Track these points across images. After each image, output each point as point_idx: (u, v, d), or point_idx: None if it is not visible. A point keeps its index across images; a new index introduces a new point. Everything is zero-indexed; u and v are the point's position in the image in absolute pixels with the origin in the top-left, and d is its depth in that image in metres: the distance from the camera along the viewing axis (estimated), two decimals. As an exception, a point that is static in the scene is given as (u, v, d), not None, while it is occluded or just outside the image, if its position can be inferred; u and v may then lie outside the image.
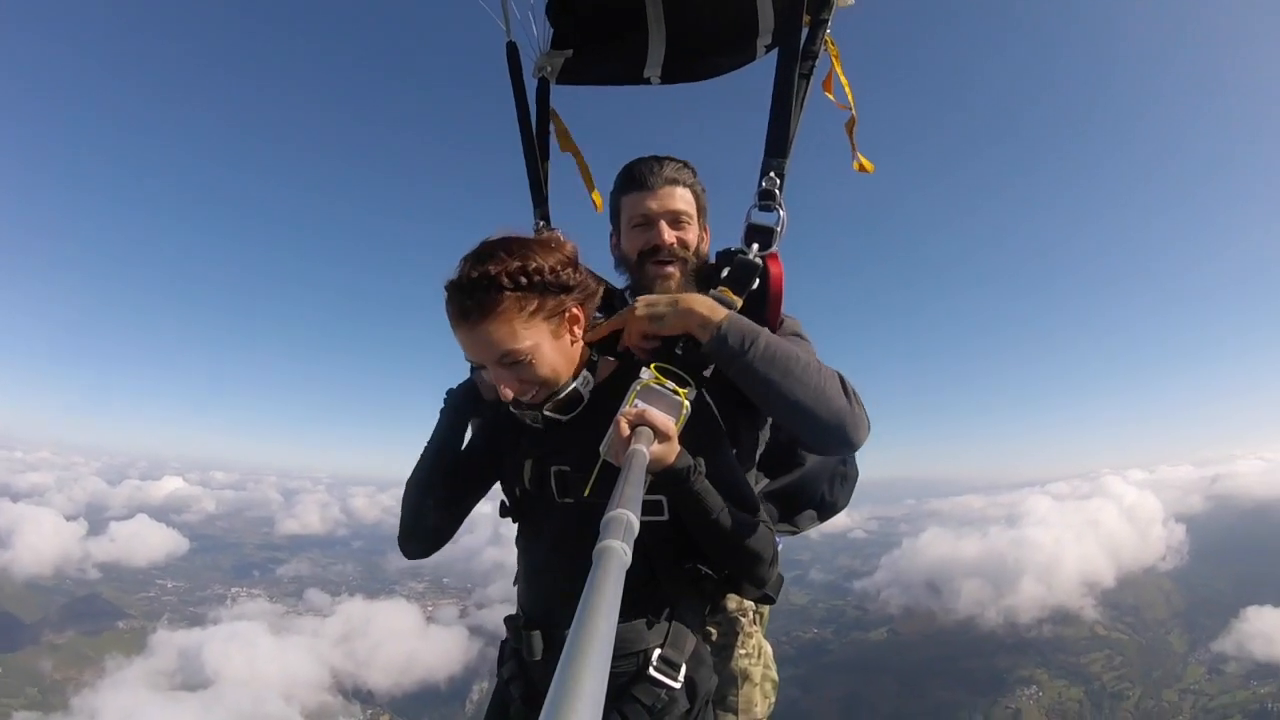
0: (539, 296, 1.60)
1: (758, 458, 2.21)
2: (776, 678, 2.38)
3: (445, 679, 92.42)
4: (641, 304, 1.81)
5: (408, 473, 1.94)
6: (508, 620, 1.91)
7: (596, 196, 2.68)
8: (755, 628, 2.33)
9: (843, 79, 2.33)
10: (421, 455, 1.91)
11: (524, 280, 1.57)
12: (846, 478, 2.37)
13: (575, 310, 1.71)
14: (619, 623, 0.64)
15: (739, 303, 1.89)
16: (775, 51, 2.18)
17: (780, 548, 2.21)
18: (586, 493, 1.61)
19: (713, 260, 2.22)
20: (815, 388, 1.73)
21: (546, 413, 1.71)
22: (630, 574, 0.77)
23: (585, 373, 1.74)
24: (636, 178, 2.18)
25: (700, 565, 1.77)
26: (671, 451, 1.51)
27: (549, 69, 2.69)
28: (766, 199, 1.98)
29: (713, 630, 2.22)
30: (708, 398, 1.80)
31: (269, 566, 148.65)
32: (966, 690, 77.65)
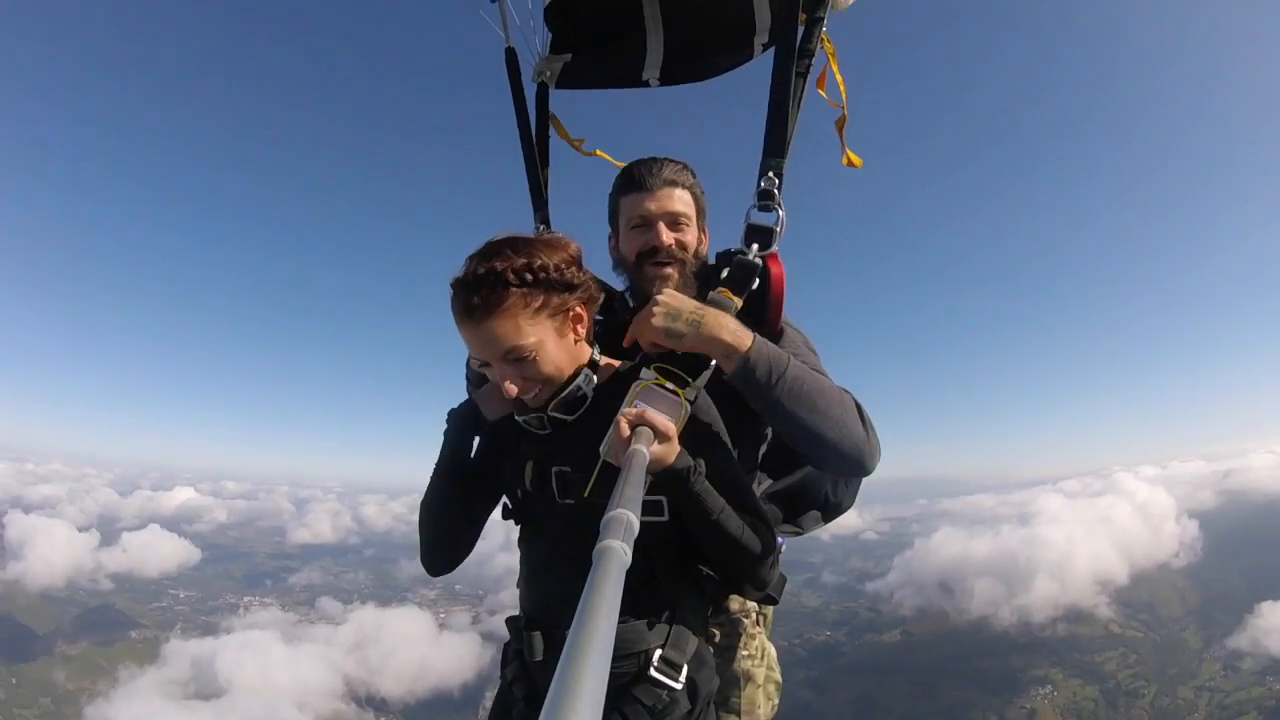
0: (544, 294, 1.61)
1: (760, 458, 2.20)
2: (780, 679, 2.35)
3: (458, 686, 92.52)
4: (660, 313, 1.75)
5: (419, 480, 1.95)
6: (509, 621, 1.92)
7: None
8: (758, 629, 2.31)
9: (838, 77, 2.32)
10: (431, 477, 1.92)
11: (529, 277, 1.58)
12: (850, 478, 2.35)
13: (579, 309, 1.71)
14: (619, 623, 0.64)
15: (739, 303, 1.88)
16: (772, 51, 2.16)
17: (784, 549, 2.20)
18: (587, 493, 1.61)
19: (712, 261, 2.21)
20: (838, 420, 1.76)
21: (551, 413, 1.71)
22: (631, 574, 0.77)
23: (587, 371, 1.74)
24: (635, 179, 2.17)
25: (701, 566, 1.77)
26: (672, 452, 1.51)
27: (548, 73, 2.71)
28: (765, 199, 1.96)
29: (715, 631, 2.20)
30: (708, 398, 1.79)
31: (281, 575, 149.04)
32: (980, 691, 76.87)
